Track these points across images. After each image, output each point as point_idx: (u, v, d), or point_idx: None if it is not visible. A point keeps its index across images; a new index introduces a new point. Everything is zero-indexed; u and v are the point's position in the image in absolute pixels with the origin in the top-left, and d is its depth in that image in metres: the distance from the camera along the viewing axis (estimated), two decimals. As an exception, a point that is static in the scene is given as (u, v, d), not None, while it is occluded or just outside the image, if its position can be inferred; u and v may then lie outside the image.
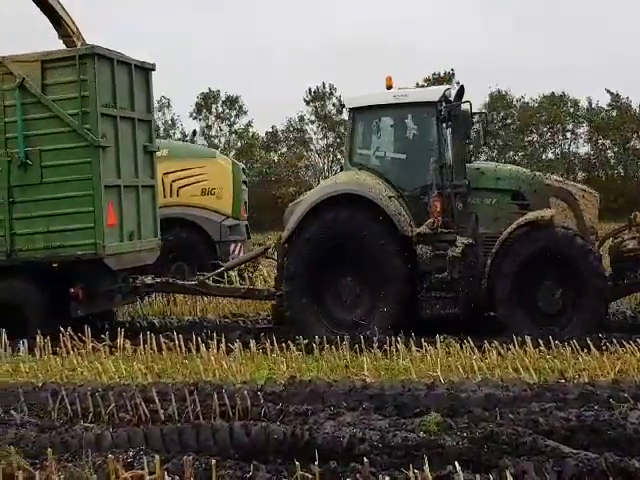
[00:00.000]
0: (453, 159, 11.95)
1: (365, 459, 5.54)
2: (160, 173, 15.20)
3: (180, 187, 17.81)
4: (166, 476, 5.14)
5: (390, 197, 11.50)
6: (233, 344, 10.05)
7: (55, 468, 5.68)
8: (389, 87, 12.26)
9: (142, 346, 10.24)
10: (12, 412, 7.60)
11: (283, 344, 10.04)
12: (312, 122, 54.19)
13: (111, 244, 11.81)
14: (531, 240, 11.09)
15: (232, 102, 56.60)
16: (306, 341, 10.16)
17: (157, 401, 7.47)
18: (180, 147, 20.21)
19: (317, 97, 54.35)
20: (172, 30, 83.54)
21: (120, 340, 10.49)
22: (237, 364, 9.38)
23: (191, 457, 5.74)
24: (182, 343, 10.23)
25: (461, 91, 12.34)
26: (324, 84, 54.18)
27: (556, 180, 12.28)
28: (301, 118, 54.42)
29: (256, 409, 7.27)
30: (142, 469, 5.58)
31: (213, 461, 5.58)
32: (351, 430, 6.33)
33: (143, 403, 7.45)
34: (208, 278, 13.20)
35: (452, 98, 12.00)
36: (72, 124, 11.62)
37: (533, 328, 10.56)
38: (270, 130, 54.77)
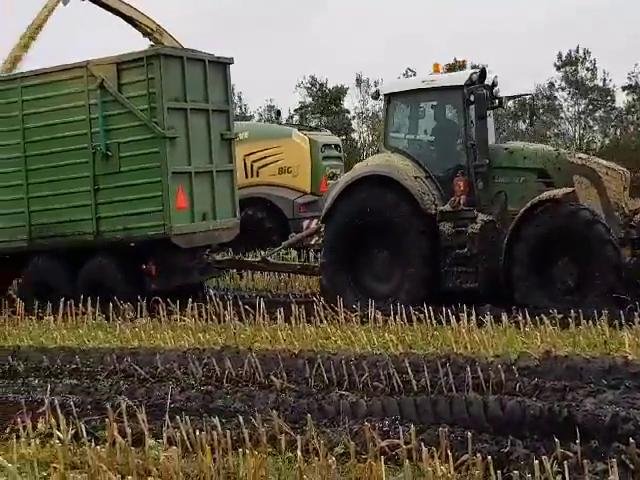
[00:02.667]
0: (476, 140, 12.22)
1: (631, 439, 5.25)
2: (242, 155, 16.43)
3: (260, 167, 18.75)
4: (422, 446, 5.13)
5: (416, 177, 12.15)
6: (484, 317, 9.89)
7: (315, 433, 5.86)
8: (437, 72, 13.17)
9: (392, 317, 10.34)
10: (272, 378, 7.95)
11: (536, 318, 9.75)
12: (562, 89, 51.86)
13: (180, 225, 13.00)
14: (543, 218, 11.25)
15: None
16: (560, 315, 9.80)
17: (410, 372, 7.51)
18: (259, 128, 20.84)
19: (569, 62, 51.81)
20: None
21: (371, 311, 10.65)
22: (489, 337, 9.22)
23: (446, 429, 5.71)
24: (432, 315, 10.22)
25: (483, 74, 12.48)
26: (577, 48, 51.48)
27: (579, 158, 12.21)
28: (551, 85, 52.23)
29: (510, 383, 7.12)
30: (398, 438, 5.62)
31: (469, 434, 5.51)
32: (613, 409, 6.03)
33: (396, 373, 7.53)
34: (269, 255, 14.35)
35: (475, 82, 12.30)
36: (142, 118, 12.93)
37: (549, 303, 10.55)
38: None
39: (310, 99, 51.98)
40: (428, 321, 10.16)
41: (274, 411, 6.46)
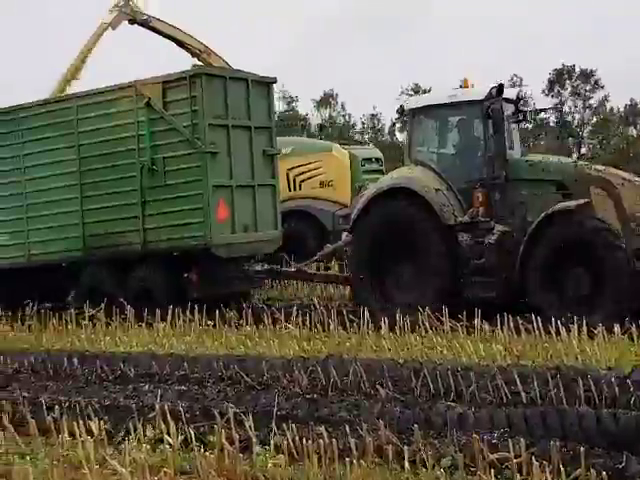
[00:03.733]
0: (494, 153, 12.49)
1: None
2: (285, 169, 17.40)
3: (302, 181, 19.43)
4: (533, 460, 5.01)
5: (437, 190, 12.53)
6: (595, 328, 9.61)
7: (422, 444, 5.79)
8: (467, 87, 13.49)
9: (499, 327, 10.16)
10: (378, 387, 7.91)
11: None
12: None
13: (220, 236, 13.75)
14: (556, 229, 11.49)
15: (587, 76, 54.09)
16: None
17: (518, 383, 7.36)
18: (302, 143, 21.30)
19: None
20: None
21: (477, 321, 10.49)
22: (600, 349, 8.95)
23: (557, 443, 5.56)
24: (540, 325, 9.99)
25: (500, 89, 12.66)
26: None
27: (596, 169, 12.38)
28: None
29: (624, 397, 6.89)
30: (507, 451, 5.50)
31: (581, 448, 5.35)
32: None
33: (504, 385, 7.38)
34: (305, 265, 15.02)
35: (494, 96, 12.54)
36: (185, 134, 13.71)
37: (563, 312, 10.59)
38: (629, 103, 51.60)
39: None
40: (536, 332, 9.93)
41: (380, 421, 6.42)
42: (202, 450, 5.91)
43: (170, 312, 12.39)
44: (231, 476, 5.62)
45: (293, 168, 19.21)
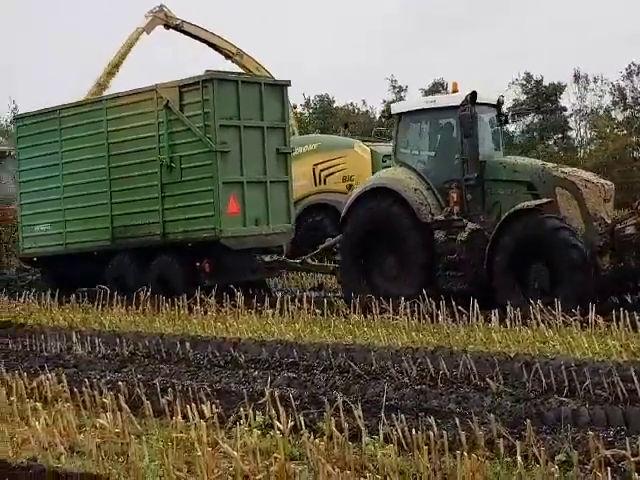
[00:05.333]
0: (468, 155, 13.34)
1: None
2: (311, 164, 18.66)
3: (326, 176, 20.15)
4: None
5: (416, 190, 13.46)
6: None
7: (534, 439, 5.68)
8: (454, 92, 14.11)
9: (615, 323, 9.87)
10: (488, 380, 7.80)
11: None
12: None
13: (230, 229, 14.81)
14: (518, 227, 12.29)
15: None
16: None
17: (635, 381, 7.13)
18: (327, 140, 21.81)
19: None
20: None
21: (591, 315, 10.22)
22: None
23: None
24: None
25: (473, 96, 13.24)
26: None
27: (562, 171, 13.00)
28: None
29: None
30: (624, 449, 5.33)
31: None
32: None
33: (620, 382, 7.17)
34: (309, 257, 15.84)
35: (468, 102, 13.16)
36: (198, 134, 14.81)
37: (525, 304, 10.96)
38: None
39: (524, 96, 50.74)
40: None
41: (491, 414, 6.33)
42: (312, 437, 5.93)
43: (279, 300, 12.55)
44: (340, 464, 5.62)
45: (319, 164, 20.03)
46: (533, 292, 11.78)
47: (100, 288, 14.90)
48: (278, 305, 12.48)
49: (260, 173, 15.41)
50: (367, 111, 52.98)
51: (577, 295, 11.25)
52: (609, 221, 12.56)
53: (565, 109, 44.05)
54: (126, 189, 15.86)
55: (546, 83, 50.13)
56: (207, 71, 15.36)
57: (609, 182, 13.22)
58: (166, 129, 15.20)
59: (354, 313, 11.92)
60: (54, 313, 14.24)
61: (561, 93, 50.15)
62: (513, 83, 50.86)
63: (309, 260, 15.88)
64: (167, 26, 22.58)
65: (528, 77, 50.78)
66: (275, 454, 5.73)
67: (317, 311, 12.26)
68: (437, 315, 11.13)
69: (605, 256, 12.21)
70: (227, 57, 22.99)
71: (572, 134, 50.56)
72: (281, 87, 16.02)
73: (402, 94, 49.59)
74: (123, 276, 15.52)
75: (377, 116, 49.30)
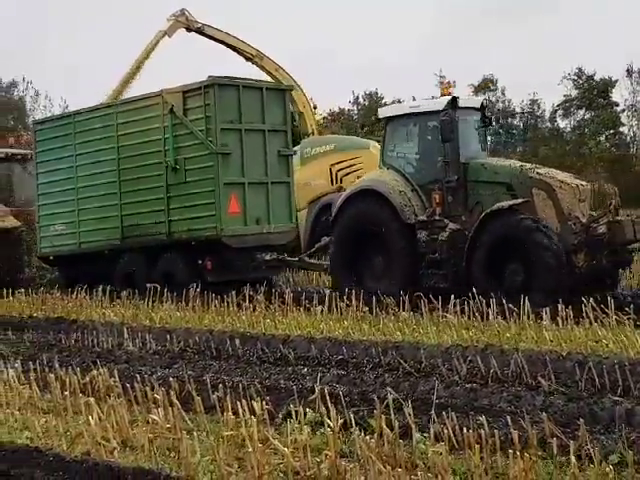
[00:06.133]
0: (450, 158, 13.82)
1: None
2: (328, 164, 18.89)
3: (343, 175, 20.27)
4: None
5: (401, 191, 14.01)
6: None
7: (587, 439, 5.60)
8: (446, 94, 14.56)
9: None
10: (540, 379, 7.71)
11: None
12: None
13: (232, 228, 15.39)
14: (494, 227, 12.78)
15: None
16: None
17: (692, 381, 6.99)
18: (344, 140, 22.12)
19: None
20: None
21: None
22: None
23: None
24: None
25: (454, 101, 13.97)
26: None
27: (538, 172, 13.44)
28: None
29: None
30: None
31: None
32: None
33: (677, 382, 7.03)
34: (306, 255, 16.44)
35: (449, 107, 13.81)
36: (200, 137, 15.40)
37: (502, 301, 11.18)
38: None
39: (575, 92, 50.07)
40: None
41: (543, 413, 6.26)
42: (362, 434, 5.92)
43: (327, 298, 12.56)
44: (391, 461, 5.60)
45: (335, 164, 20.21)
46: (509, 289, 12.22)
47: (150, 285, 15.09)
48: (327, 302, 12.49)
49: (261, 174, 16.00)
50: (415, 107, 52.87)
51: (550, 292, 11.58)
52: (584, 220, 12.96)
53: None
54: (135, 190, 16.55)
55: (598, 78, 49.41)
56: (209, 76, 15.75)
57: (584, 183, 13.72)
58: (171, 132, 15.82)
59: (403, 310, 11.87)
60: (105, 309, 14.42)
61: (613, 88, 49.39)
62: (565, 78, 50.17)
63: (306, 258, 16.47)
64: (188, 29, 23.18)
65: (580, 72, 50.08)
66: (326, 451, 5.74)
67: (365, 309, 12.24)
68: (487, 313, 11.03)
69: (580, 254, 12.67)
70: (247, 59, 23.64)
71: (624, 130, 49.73)
72: (282, 92, 16.81)
73: (450, 90, 49.18)
74: (132, 273, 16.25)
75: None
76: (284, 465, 5.82)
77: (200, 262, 15.47)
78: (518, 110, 48.38)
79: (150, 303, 14.46)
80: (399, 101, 50.18)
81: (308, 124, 23.28)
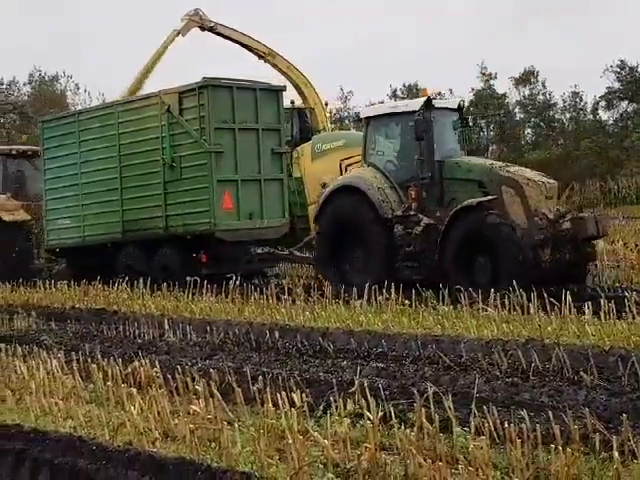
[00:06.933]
0: (424, 156, 14.52)
1: None
2: (338, 159, 18.88)
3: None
4: None
5: (379, 188, 14.70)
6: None
7: (631, 435, 5.54)
8: (424, 97, 14.98)
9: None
10: (582, 374, 7.64)
11: None
12: None
13: (225, 222, 16.14)
14: (464, 222, 13.48)
15: None
16: None
17: None
18: (353, 136, 21.80)
19: None
20: None
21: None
22: None
23: None
24: None
25: (428, 102, 14.71)
26: None
27: (507, 171, 14.16)
28: None
29: None
30: None
31: None
32: None
33: None
34: (296, 249, 17.21)
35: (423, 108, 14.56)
36: (195, 136, 16.18)
37: (473, 292, 11.84)
38: None
39: (618, 84, 49.32)
40: None
41: (585, 408, 6.20)
42: (402, 427, 5.92)
43: (367, 291, 12.55)
44: (431, 455, 5.59)
45: (345, 159, 20.11)
46: (478, 281, 12.93)
47: (191, 278, 15.25)
48: (366, 295, 12.47)
49: (255, 172, 16.69)
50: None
51: (515, 284, 11.71)
52: (551, 217, 13.53)
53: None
54: (134, 186, 17.35)
55: (641, 70, 48.57)
56: (204, 78, 16.32)
57: (552, 180, 14.33)
58: (168, 131, 16.55)
59: (443, 304, 11.82)
60: (146, 300, 14.55)
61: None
62: (607, 70, 49.41)
63: (296, 252, 17.27)
64: (202, 28, 23.57)
65: (622, 64, 49.30)
66: (365, 444, 5.74)
67: (405, 302, 12.21)
68: (528, 306, 10.94)
69: (546, 249, 13.23)
70: (259, 57, 24.12)
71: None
72: (276, 92, 17.41)
73: (491, 82, 48.58)
74: (132, 265, 16.98)
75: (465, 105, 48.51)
76: (324, 457, 5.84)
77: (195, 255, 16.25)
78: (560, 103, 47.62)
79: (190, 295, 14.57)
80: (439, 94, 49.90)
81: (319, 120, 23.46)
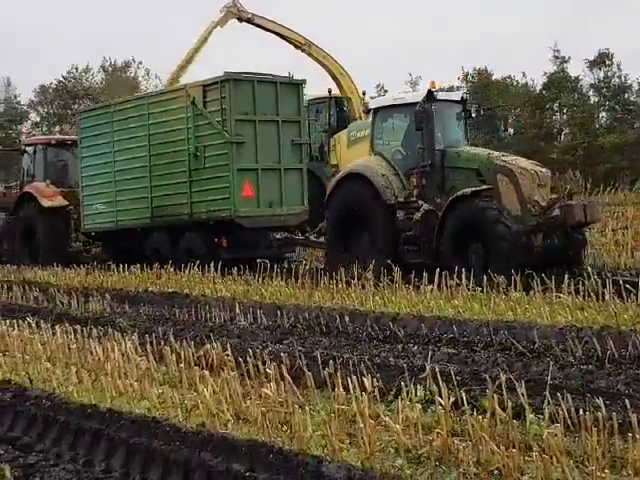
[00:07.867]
0: (425, 146, 15.20)
1: None
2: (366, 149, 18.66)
3: None
4: None
5: (383, 175, 15.45)
6: None
7: None
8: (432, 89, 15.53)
9: None
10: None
11: None
12: None
13: (245, 209, 17.10)
14: (459, 209, 14.14)
15: None
16: None
17: None
18: None
19: None
20: None
21: None
22: None
23: None
24: None
25: (429, 94, 15.30)
26: None
27: (503, 160, 14.75)
28: None
29: None
30: None
31: None
32: None
33: None
34: (312, 234, 18.33)
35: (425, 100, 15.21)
36: (217, 128, 17.18)
37: (468, 275, 12.28)
38: None
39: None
40: None
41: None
42: (474, 414, 5.86)
43: (437, 276, 12.47)
44: (503, 442, 5.52)
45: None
46: (473, 264, 13.49)
47: (261, 261, 15.42)
48: (436, 280, 12.39)
49: (275, 161, 17.57)
50: (527, 83, 51.30)
51: (505, 266, 12.50)
52: (544, 204, 14.14)
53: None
54: (162, 174, 18.45)
55: None
56: (225, 72, 17.20)
57: (544, 169, 14.85)
58: (193, 123, 17.57)
59: (514, 290, 11.67)
60: (217, 284, 14.71)
61: None
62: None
63: (312, 237, 18.26)
64: (240, 19, 24.23)
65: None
66: (437, 429, 5.71)
67: (477, 288, 12.09)
68: (603, 293, 10.72)
69: (538, 235, 13.93)
70: (296, 47, 24.52)
71: None
72: (296, 85, 18.16)
73: (564, 65, 47.60)
74: (159, 249, 18.14)
75: (537, 89, 47.57)
76: (395, 442, 5.83)
77: (217, 240, 17.06)
78: (635, 85, 46.43)
79: (260, 279, 14.68)
80: (509, 78, 49.14)
81: (355, 109, 23.52)
